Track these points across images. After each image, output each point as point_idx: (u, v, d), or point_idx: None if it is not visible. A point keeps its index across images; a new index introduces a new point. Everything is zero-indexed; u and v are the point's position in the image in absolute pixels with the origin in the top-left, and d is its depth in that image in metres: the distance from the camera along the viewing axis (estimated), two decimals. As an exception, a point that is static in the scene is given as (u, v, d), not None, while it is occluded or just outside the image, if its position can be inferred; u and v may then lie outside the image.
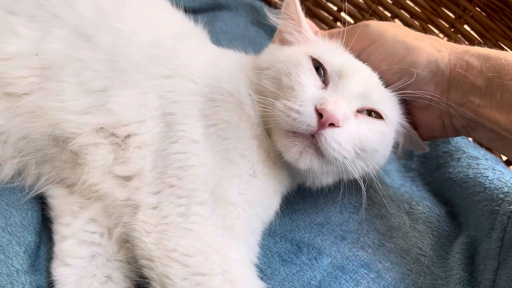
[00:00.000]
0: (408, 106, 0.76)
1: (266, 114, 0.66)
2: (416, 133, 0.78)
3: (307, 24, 0.77)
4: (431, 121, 0.76)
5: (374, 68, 0.73)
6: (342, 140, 0.62)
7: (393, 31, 0.73)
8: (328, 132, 0.61)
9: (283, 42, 0.78)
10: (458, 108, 0.69)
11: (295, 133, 0.64)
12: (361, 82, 0.67)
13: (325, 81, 0.68)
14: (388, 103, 0.71)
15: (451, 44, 0.72)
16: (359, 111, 0.67)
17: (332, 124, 0.61)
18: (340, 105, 0.62)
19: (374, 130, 0.67)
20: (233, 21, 1.21)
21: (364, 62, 0.73)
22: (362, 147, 0.65)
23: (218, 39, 1.06)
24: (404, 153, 0.83)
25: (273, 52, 0.75)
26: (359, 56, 0.74)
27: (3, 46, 0.67)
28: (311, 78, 0.66)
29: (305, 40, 0.75)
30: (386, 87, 0.72)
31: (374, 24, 0.74)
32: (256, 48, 1.15)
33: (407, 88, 0.70)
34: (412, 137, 0.78)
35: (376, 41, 0.72)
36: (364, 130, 0.65)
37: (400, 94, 0.71)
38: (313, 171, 0.67)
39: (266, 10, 0.82)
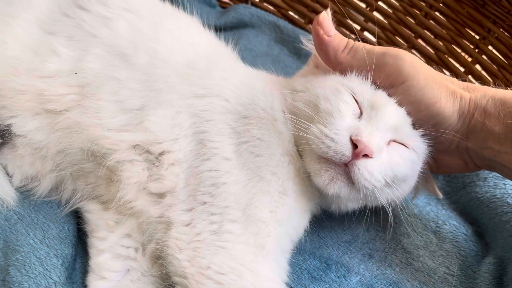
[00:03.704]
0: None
1: (298, 135, 0.67)
2: (434, 181, 0.81)
3: None
4: (453, 162, 0.76)
5: (400, 105, 0.69)
6: (375, 170, 0.63)
7: (425, 72, 0.69)
8: (362, 163, 0.62)
9: (318, 66, 0.79)
10: (478, 151, 0.70)
11: (327, 160, 0.64)
12: (394, 115, 0.67)
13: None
14: (417, 138, 0.70)
15: (467, 85, 0.71)
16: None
17: (365, 155, 0.62)
18: (374, 136, 0.63)
19: (405, 158, 0.68)
20: (257, 39, 1.23)
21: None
22: (393, 176, 0.66)
23: (242, 57, 1.07)
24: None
25: (308, 75, 0.76)
26: (384, 90, 0.70)
27: (44, 65, 0.69)
28: (350, 106, 0.67)
29: None
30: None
31: (408, 59, 0.69)
32: (279, 66, 1.17)
33: (427, 134, 0.70)
34: (430, 183, 0.80)
35: (407, 81, 0.68)
36: (395, 159, 0.66)
37: (424, 129, 0.70)
38: (339, 197, 0.68)
39: (302, 37, 0.83)
